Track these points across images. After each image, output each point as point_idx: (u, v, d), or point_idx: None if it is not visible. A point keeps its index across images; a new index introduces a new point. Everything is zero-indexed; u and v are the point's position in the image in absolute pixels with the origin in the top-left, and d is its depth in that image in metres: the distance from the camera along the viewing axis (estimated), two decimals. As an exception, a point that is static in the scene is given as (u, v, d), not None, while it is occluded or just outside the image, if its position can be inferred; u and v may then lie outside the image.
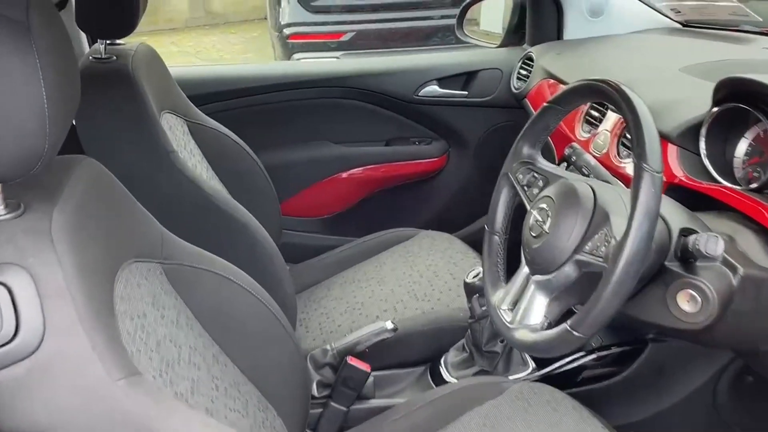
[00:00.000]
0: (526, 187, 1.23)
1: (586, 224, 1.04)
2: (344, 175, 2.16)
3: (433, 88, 2.12)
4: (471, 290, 1.47)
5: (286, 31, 4.98)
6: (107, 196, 0.94)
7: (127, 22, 1.41)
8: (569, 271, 1.06)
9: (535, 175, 1.22)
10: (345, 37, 5.00)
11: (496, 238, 1.28)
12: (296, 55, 4.97)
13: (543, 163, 1.23)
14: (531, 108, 1.95)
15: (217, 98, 2.02)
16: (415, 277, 1.75)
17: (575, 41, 2.02)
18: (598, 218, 1.04)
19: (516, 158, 1.25)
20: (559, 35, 2.11)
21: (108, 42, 1.51)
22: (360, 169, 2.16)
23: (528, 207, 1.19)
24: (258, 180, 1.82)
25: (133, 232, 0.96)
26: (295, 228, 2.19)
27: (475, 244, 1.84)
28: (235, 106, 2.04)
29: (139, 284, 0.92)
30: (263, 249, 1.49)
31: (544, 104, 1.20)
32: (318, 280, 1.87)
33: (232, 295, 1.11)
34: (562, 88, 1.22)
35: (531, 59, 2.03)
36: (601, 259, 1.00)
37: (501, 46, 2.24)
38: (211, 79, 2.07)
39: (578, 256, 1.04)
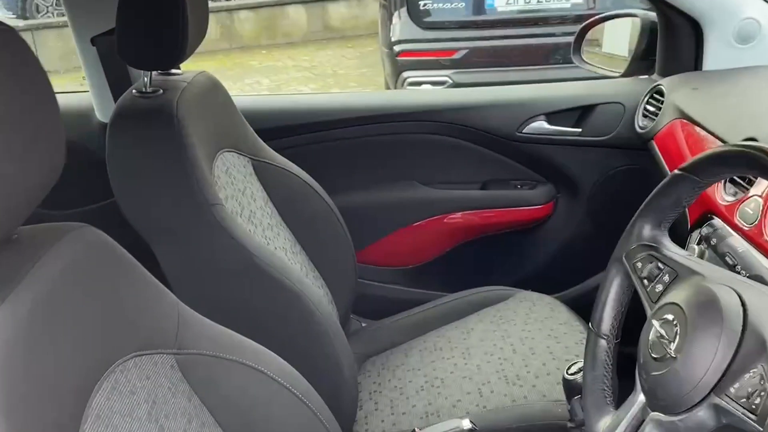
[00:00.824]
0: (646, 281, 0.92)
1: (731, 353, 0.74)
2: (432, 221, 1.89)
3: (540, 125, 1.81)
4: (571, 389, 1.16)
5: (396, 48, 4.76)
6: (100, 274, 0.75)
7: (176, 51, 1.21)
8: (704, 417, 0.75)
9: (660, 265, 0.91)
10: (457, 55, 4.72)
11: (603, 343, 0.97)
12: (405, 73, 4.74)
13: (671, 250, 0.91)
14: (658, 152, 1.60)
15: (289, 132, 1.80)
16: (507, 353, 1.46)
17: (718, 73, 1.66)
18: (750, 346, 0.73)
19: (634, 239, 0.95)
20: (697, 65, 1.75)
21: (160, 72, 1.32)
22: (451, 215, 1.88)
23: (648, 312, 0.88)
24: (331, 225, 1.59)
25: (137, 317, 0.80)
26: (372, 278, 1.93)
27: (582, 310, 1.53)
28: (308, 141, 1.82)
29: (134, 389, 0.75)
30: (319, 326, 1.25)
31: (675, 172, 0.89)
32: (395, 343, 1.63)
33: (264, 392, 0.95)
34: (702, 152, 0.90)
35: (661, 93, 1.68)
36: (752, 416, 0.68)
37: (625, 75, 1.90)
38: (283, 110, 1.85)
39: (718, 400, 0.73)
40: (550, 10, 4.97)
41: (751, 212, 1.13)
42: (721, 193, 1.25)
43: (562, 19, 4.87)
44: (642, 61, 1.87)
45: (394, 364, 1.56)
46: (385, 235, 1.91)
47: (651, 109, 1.70)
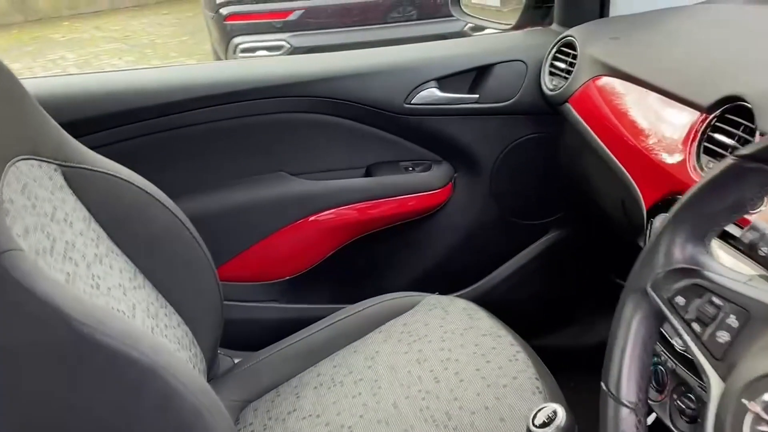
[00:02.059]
0: (696, 325, 0.62)
1: None
2: (308, 220, 1.52)
3: (431, 92, 1.49)
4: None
5: (223, 11, 4.27)
6: None
7: None
8: None
9: (716, 300, 0.61)
10: (292, 16, 4.32)
11: (628, 413, 0.67)
12: (236, 39, 4.27)
13: (725, 275, 0.62)
14: (577, 116, 1.34)
15: (111, 123, 1.36)
16: (427, 383, 1.16)
17: (635, 18, 1.41)
18: None
19: (662, 261, 0.65)
20: (602, 11, 1.50)
21: None
22: (331, 210, 1.53)
23: (711, 376, 0.59)
24: (181, 241, 1.18)
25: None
26: (242, 298, 1.55)
27: (499, 309, 1.36)
28: (138, 132, 1.38)
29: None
30: (184, 405, 0.86)
31: (736, 161, 0.59)
32: (281, 380, 1.28)
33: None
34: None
35: (571, 46, 1.41)
36: None
37: (517, 27, 1.62)
38: (99, 93, 1.39)
39: None
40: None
41: None
42: (693, 164, 0.99)
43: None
44: (536, 10, 1.60)
45: (283, 410, 1.20)
46: (252, 243, 1.52)
47: (560, 65, 1.43)
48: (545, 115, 1.50)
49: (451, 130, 1.53)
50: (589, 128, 1.30)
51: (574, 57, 1.40)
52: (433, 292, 1.62)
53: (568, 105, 1.39)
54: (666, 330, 0.96)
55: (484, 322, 1.29)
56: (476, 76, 1.51)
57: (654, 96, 1.12)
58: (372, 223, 1.56)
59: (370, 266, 1.63)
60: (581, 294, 1.73)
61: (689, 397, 0.98)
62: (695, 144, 1.00)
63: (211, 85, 1.43)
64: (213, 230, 1.37)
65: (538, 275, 1.64)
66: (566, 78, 1.40)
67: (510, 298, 1.65)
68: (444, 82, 1.49)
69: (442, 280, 1.62)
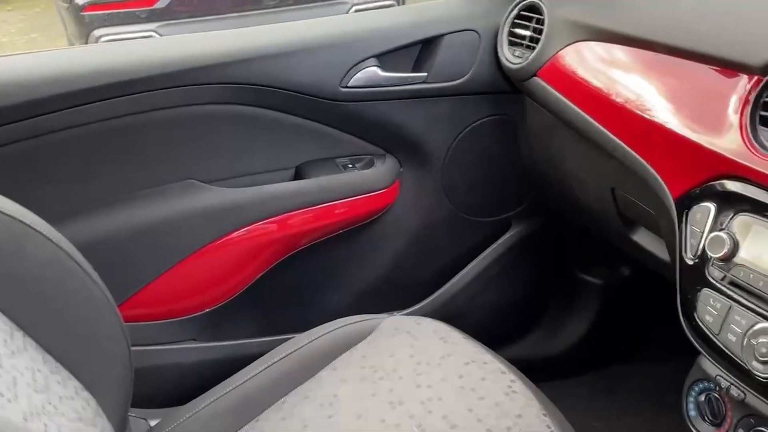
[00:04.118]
0: None
1: None
2: (228, 237, 1.23)
3: (371, 72, 1.23)
4: None
5: (80, 1, 3.79)
6: None
7: None
8: None
9: None
10: (159, 4, 3.91)
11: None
12: (97, 32, 3.81)
13: None
14: (554, 92, 1.13)
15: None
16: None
17: None
18: None
19: None
20: (558, -31, 1.30)
21: None
22: (255, 224, 1.23)
23: None
24: (68, 278, 0.87)
25: None
26: (153, 341, 1.24)
27: (462, 320, 1.21)
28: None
29: None
30: None
31: None
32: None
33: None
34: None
35: (535, 9, 1.20)
36: None
37: (459, -9, 1.38)
38: None
39: None
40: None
41: None
42: (749, 139, 0.79)
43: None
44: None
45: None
46: (160, 272, 1.21)
47: (522, 33, 1.21)
48: (504, 94, 1.28)
49: (396, 117, 1.28)
50: (572, 104, 1.08)
51: (540, 22, 1.18)
52: (386, 309, 1.37)
53: (536, 79, 1.17)
54: (738, 355, 0.76)
55: (463, 346, 1.05)
56: (422, 50, 1.27)
57: (672, 60, 0.92)
58: (306, 235, 1.29)
59: (308, 286, 1.35)
60: (547, 294, 1.54)
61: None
62: (746, 114, 0.80)
63: (89, 75, 1.10)
64: (109, 260, 1.09)
65: (502, 278, 1.43)
66: (531, 47, 1.18)
67: (472, 307, 1.43)
68: (385, 59, 1.24)
69: (395, 295, 1.38)
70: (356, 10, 4.22)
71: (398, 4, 4.35)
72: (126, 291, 1.17)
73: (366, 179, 1.29)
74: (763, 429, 0.80)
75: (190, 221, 1.20)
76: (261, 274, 1.28)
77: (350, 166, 1.29)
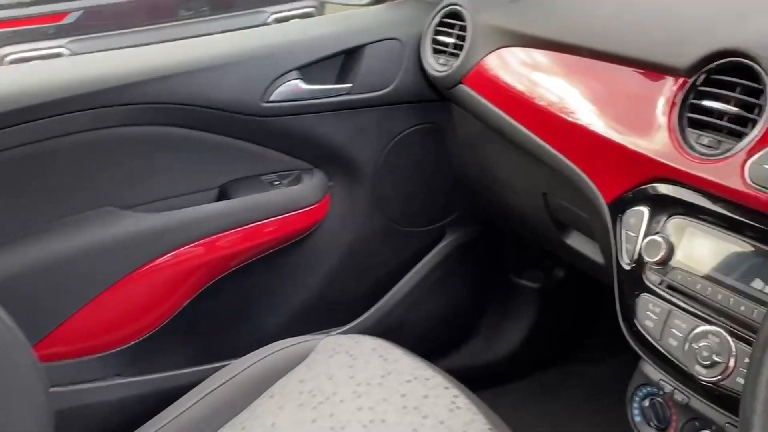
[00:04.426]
0: None
1: None
2: (151, 265, 1.16)
3: (294, 85, 1.19)
4: None
5: (-18, 17, 3.62)
6: None
7: None
8: None
9: None
10: (68, 19, 3.75)
11: None
12: (2, 50, 3.63)
13: None
14: (479, 97, 1.11)
15: None
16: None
17: None
18: None
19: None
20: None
21: None
22: (179, 249, 1.17)
23: None
24: None
25: None
26: (74, 379, 1.16)
27: (401, 334, 1.25)
28: None
29: None
30: None
31: None
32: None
33: None
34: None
35: (457, 16, 1.18)
36: None
37: (376, 2, 1.36)
38: None
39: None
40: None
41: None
42: (678, 142, 0.79)
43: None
44: (398, -22, 1.35)
45: None
46: (79, 306, 1.14)
47: (446, 40, 1.20)
48: (431, 102, 1.26)
49: (322, 131, 1.24)
50: (499, 111, 1.07)
51: (463, 29, 1.16)
52: (323, 327, 1.33)
53: (462, 86, 1.16)
54: (680, 360, 0.76)
55: (403, 362, 1.03)
56: (345, 61, 1.23)
57: (597, 64, 0.91)
58: (236, 257, 1.23)
59: (240, 310, 1.30)
60: (485, 300, 1.53)
61: None
62: (674, 116, 0.79)
63: None
64: (22, 297, 1.04)
65: (439, 287, 1.41)
66: (456, 54, 1.17)
67: (411, 319, 1.40)
68: (307, 71, 1.20)
69: (331, 312, 1.34)
70: (275, 19, 4.16)
71: (318, 12, 4.30)
72: (42, 329, 1.10)
73: (294, 196, 1.25)
74: (707, 431, 0.79)
75: (109, 250, 1.14)
76: (189, 300, 1.22)
77: (277, 183, 1.25)
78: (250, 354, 1.05)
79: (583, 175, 0.92)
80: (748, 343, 0.70)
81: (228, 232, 1.20)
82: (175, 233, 1.17)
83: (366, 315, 1.36)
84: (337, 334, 1.35)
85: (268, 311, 1.31)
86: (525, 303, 1.50)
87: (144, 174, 1.16)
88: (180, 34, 4.03)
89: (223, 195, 1.22)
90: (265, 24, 4.17)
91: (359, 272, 1.36)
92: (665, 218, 0.79)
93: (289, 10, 4.27)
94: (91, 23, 3.81)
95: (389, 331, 1.36)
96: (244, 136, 1.20)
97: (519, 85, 1.04)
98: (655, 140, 0.80)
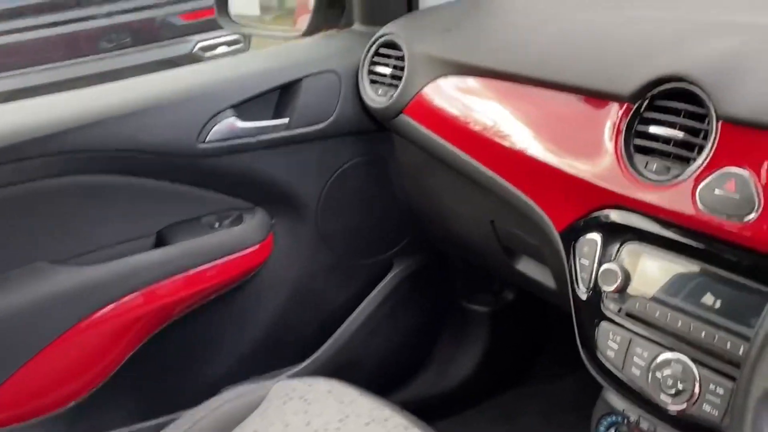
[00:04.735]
0: None
1: None
2: (89, 320, 1.10)
3: (229, 124, 1.15)
4: None
5: None
6: None
7: None
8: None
9: None
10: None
11: None
12: None
13: None
14: (421, 127, 1.10)
15: None
16: None
17: (463, 3, 1.20)
18: None
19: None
20: (410, 3, 1.28)
21: None
22: (117, 302, 1.12)
23: None
24: None
25: None
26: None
27: (355, 371, 1.27)
28: None
29: None
30: None
31: None
32: None
33: None
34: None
35: (393, 46, 1.17)
36: None
37: (308, 33, 1.33)
38: None
39: None
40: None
41: (736, 197, 0.68)
42: (627, 169, 0.79)
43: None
44: (330, 10, 1.33)
45: None
46: (14, 370, 1.07)
47: (383, 71, 1.18)
48: (371, 133, 1.24)
49: (261, 168, 1.20)
50: (443, 141, 1.06)
51: (400, 59, 1.15)
52: (274, 368, 1.29)
53: (403, 117, 1.14)
54: (644, 390, 0.75)
55: (360, 404, 1.00)
56: (281, 96, 1.20)
57: (540, 92, 0.91)
58: (178, 305, 1.18)
59: (186, 358, 1.24)
60: (437, 328, 1.51)
61: None
62: (620, 143, 0.79)
63: None
64: None
65: (390, 319, 1.39)
66: (395, 85, 1.15)
67: (364, 354, 1.37)
68: (243, 108, 1.16)
69: (282, 352, 1.30)
70: (201, 48, 4.09)
71: (245, 41, 4.25)
72: None
73: (236, 237, 1.20)
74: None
75: (44, 308, 1.07)
76: (133, 353, 1.16)
77: (217, 224, 1.21)
78: (201, 406, 1.01)
79: (533, 204, 0.91)
80: (712, 369, 0.70)
81: (168, 280, 1.15)
82: (112, 285, 1.11)
83: (318, 353, 1.32)
84: (289, 375, 1.31)
85: (216, 356, 1.26)
86: (477, 328, 1.49)
87: (76, 225, 1.10)
88: (102, 68, 3.92)
89: (161, 241, 1.17)
90: (192, 53, 4.10)
91: (307, 310, 1.32)
92: (619, 245, 0.79)
93: (214, 38, 4.20)
94: (7, 60, 3.67)
95: (342, 367, 1.33)
96: (181, 179, 1.15)
97: (461, 114, 1.03)
98: (604, 167, 0.80)
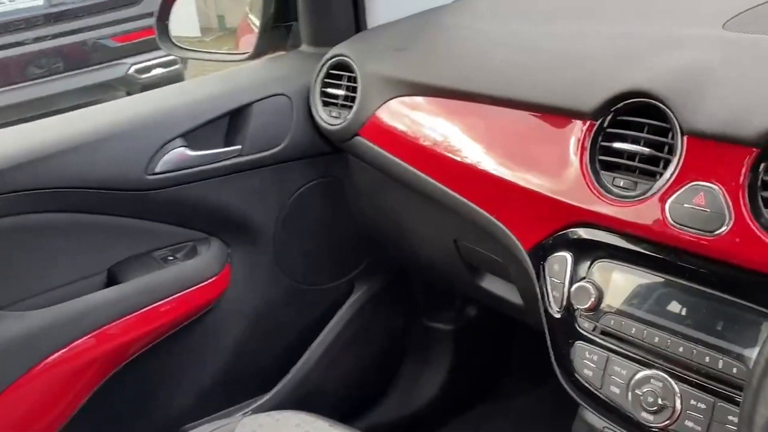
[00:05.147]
0: None
1: None
2: (38, 368, 1.04)
3: (179, 153, 1.11)
4: None
5: None
6: None
7: None
8: None
9: None
10: None
11: None
12: None
13: None
14: (379, 150, 1.08)
15: None
16: None
17: (414, 22, 1.19)
18: None
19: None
20: (358, 23, 1.26)
21: None
22: (68, 346, 1.06)
23: None
24: None
25: None
26: None
27: (320, 399, 1.26)
28: None
29: None
30: None
31: None
32: None
33: None
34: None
35: (345, 67, 1.15)
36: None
37: (254, 56, 1.30)
38: None
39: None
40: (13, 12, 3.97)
41: (706, 210, 0.68)
42: (593, 185, 0.78)
43: (30, 24, 3.92)
44: (275, 31, 1.30)
45: None
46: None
47: (336, 92, 1.16)
48: (326, 155, 1.22)
49: (214, 197, 1.16)
50: (401, 162, 1.04)
51: (352, 80, 1.13)
52: (237, 403, 1.25)
53: (358, 138, 1.12)
54: (625, 408, 0.74)
55: None
56: (231, 122, 1.17)
57: (500, 110, 0.90)
58: (133, 344, 1.13)
59: (145, 398, 1.19)
60: (401, 349, 1.49)
61: None
62: (585, 160, 0.79)
63: None
64: None
65: (354, 343, 1.36)
66: (348, 107, 1.13)
67: (329, 380, 1.34)
68: (192, 137, 1.12)
69: (243, 386, 1.26)
70: (136, 70, 3.99)
71: (182, 62, 4.16)
72: None
73: (191, 270, 1.16)
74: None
75: None
76: (88, 398, 1.11)
77: (171, 258, 1.16)
78: None
79: (498, 223, 0.90)
80: (692, 384, 0.69)
81: (122, 319, 1.10)
82: (63, 328, 1.05)
83: (282, 383, 1.29)
84: (253, 408, 1.27)
85: (176, 394, 1.21)
86: (441, 346, 1.47)
87: (19, 268, 1.04)
88: (33, 95, 3.80)
89: (112, 279, 1.12)
90: (126, 75, 4.00)
91: (269, 339, 1.29)
92: (590, 262, 0.78)
93: (149, 60, 4.11)
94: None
95: (308, 396, 1.30)
96: (131, 213, 1.11)
97: (419, 135, 1.01)
98: (570, 185, 0.79)
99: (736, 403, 0.66)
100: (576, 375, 0.79)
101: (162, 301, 1.13)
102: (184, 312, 1.16)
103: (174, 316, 1.15)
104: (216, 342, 1.23)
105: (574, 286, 0.78)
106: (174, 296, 1.14)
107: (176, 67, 4.17)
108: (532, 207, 0.84)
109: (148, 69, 4.05)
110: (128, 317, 1.10)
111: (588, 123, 0.79)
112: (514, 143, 0.88)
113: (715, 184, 0.67)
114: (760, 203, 0.65)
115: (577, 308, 0.78)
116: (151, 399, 1.20)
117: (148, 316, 1.12)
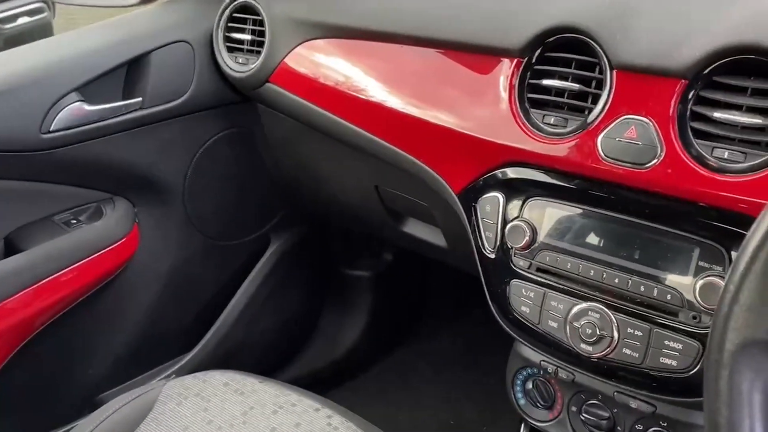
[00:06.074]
0: None
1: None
2: None
3: (76, 108, 1.02)
4: None
5: None
6: None
7: None
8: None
9: None
10: None
11: None
12: None
13: None
14: (293, 96, 1.04)
15: None
16: None
17: None
18: None
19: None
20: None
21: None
22: None
23: None
24: None
25: None
26: None
27: (246, 356, 1.23)
28: None
29: None
30: None
31: None
32: None
33: None
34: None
35: (250, 10, 1.09)
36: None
37: (146, 1, 1.21)
38: None
39: None
40: None
41: (638, 143, 0.69)
42: (524, 124, 0.78)
43: None
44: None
45: None
46: None
47: (241, 37, 1.10)
48: (234, 105, 1.16)
49: (117, 154, 1.09)
50: (318, 108, 1.01)
51: (258, 23, 1.07)
52: (157, 365, 1.20)
53: (269, 85, 1.07)
54: (563, 341, 0.76)
55: (263, 392, 0.95)
56: (130, 73, 1.09)
57: (422, 51, 0.88)
58: (39, 316, 1.06)
59: (60, 371, 1.12)
60: (322, 300, 1.47)
61: (598, 405, 0.81)
62: (515, 98, 0.78)
63: None
64: None
65: (274, 296, 1.33)
66: (256, 52, 1.07)
67: (253, 335, 1.31)
68: (89, 90, 1.04)
69: (162, 348, 1.22)
70: None
71: (49, 10, 3.85)
72: None
73: (97, 233, 1.09)
74: (594, 401, 0.81)
75: None
76: None
77: (74, 221, 1.08)
78: (87, 418, 0.91)
79: (426, 167, 0.88)
80: (628, 314, 0.71)
81: (24, 291, 1.02)
82: None
83: (203, 342, 1.25)
84: (176, 370, 1.23)
85: (91, 363, 1.15)
86: (360, 293, 1.47)
87: None
88: None
89: (10, 247, 1.04)
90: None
91: (185, 299, 1.24)
92: (522, 201, 0.79)
93: (12, 9, 3.79)
94: None
95: (230, 353, 1.27)
96: (26, 175, 1.02)
97: (335, 79, 0.98)
98: (500, 124, 0.79)
99: (672, 329, 0.68)
100: (513, 313, 0.80)
101: (67, 269, 1.05)
102: (92, 278, 1.09)
103: (81, 283, 1.08)
104: (130, 305, 1.17)
105: (508, 225, 0.78)
106: (79, 262, 1.07)
107: (44, 15, 3.87)
108: (461, 149, 0.83)
109: (12, 18, 3.74)
110: (30, 289, 1.02)
111: (515, 61, 0.78)
112: (440, 84, 0.86)
113: (646, 117, 0.68)
114: (690, 134, 0.67)
115: (512, 247, 0.78)
116: (65, 371, 1.13)
117: (53, 286, 1.05)
